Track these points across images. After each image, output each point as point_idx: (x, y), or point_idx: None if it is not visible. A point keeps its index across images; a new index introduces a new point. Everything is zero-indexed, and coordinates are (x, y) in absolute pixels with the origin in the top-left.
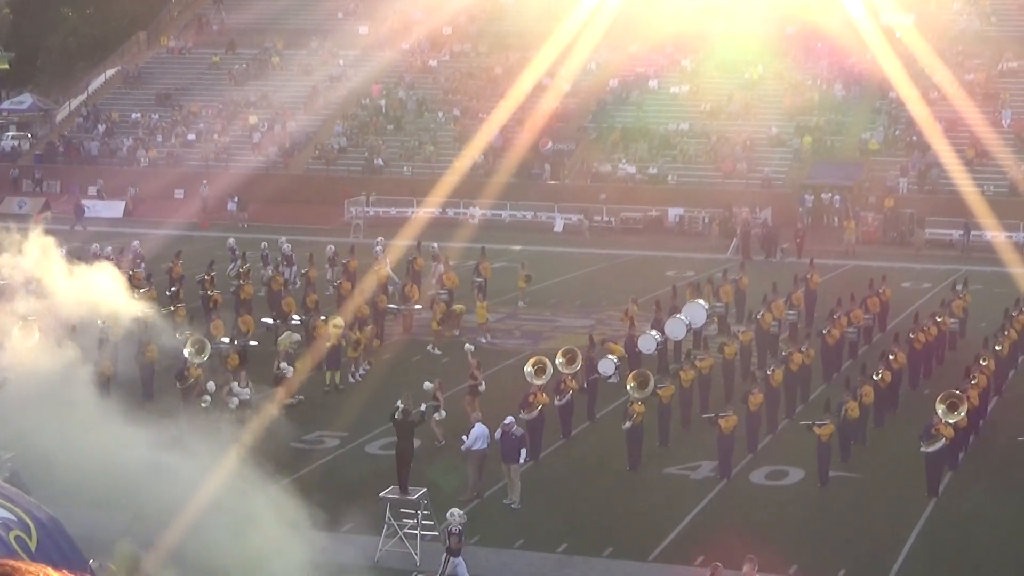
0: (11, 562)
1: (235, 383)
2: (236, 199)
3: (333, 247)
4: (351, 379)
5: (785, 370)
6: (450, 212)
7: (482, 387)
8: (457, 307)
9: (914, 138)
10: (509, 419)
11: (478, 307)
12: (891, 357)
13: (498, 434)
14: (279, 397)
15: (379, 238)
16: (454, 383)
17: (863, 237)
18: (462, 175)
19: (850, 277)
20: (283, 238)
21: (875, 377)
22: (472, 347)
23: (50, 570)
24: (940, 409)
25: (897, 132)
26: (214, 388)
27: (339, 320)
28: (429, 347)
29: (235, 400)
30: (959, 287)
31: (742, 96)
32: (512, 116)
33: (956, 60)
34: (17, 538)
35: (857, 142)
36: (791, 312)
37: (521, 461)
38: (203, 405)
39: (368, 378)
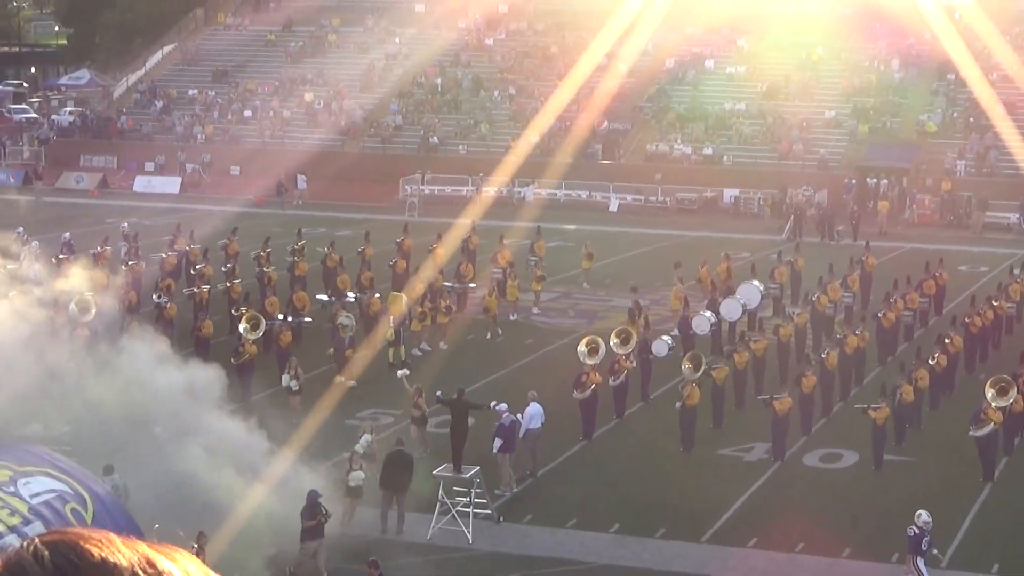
0: (75, 530)
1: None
2: (306, 177)
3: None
4: (417, 351)
5: (840, 353)
6: (505, 191)
7: (426, 414)
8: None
9: (972, 120)
10: (502, 406)
11: (509, 286)
12: (947, 341)
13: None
14: (343, 378)
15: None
16: (510, 361)
17: (919, 220)
18: (518, 154)
19: (906, 260)
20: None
21: (931, 361)
22: (407, 372)
23: (114, 536)
24: (990, 394)
25: (955, 114)
26: None
27: (403, 297)
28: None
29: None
30: (1016, 271)
31: (799, 77)
32: (569, 96)
33: (1017, 41)
34: (73, 511)
35: (914, 124)
36: (847, 294)
37: (494, 451)
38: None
39: (423, 356)
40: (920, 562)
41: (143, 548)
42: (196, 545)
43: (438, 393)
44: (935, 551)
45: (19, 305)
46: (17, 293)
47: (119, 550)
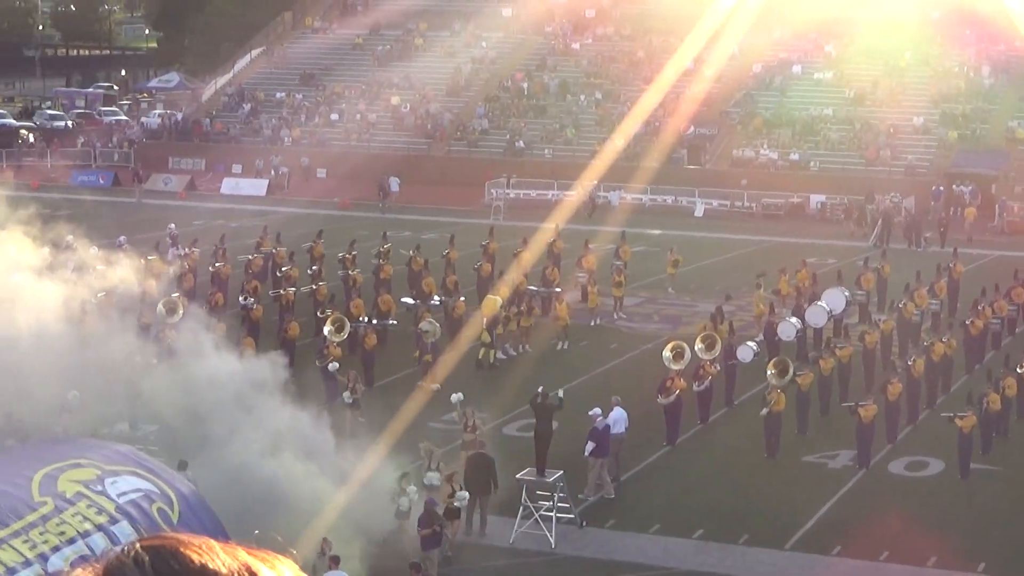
0: (175, 535)
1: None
2: (399, 180)
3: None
4: (502, 354)
5: (927, 360)
6: (589, 196)
7: (479, 439)
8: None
9: None
10: (595, 411)
11: (589, 292)
12: None
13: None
14: (428, 383)
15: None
16: (594, 365)
17: (1008, 227)
18: (604, 159)
19: (994, 267)
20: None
21: (1019, 369)
22: (461, 396)
23: (214, 543)
24: None
25: None
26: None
27: (497, 299)
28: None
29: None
30: None
31: (887, 83)
32: (655, 100)
33: None
34: (160, 510)
35: (1004, 130)
36: (934, 302)
37: (586, 454)
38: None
39: (508, 360)
40: None
41: (243, 555)
42: (323, 551)
43: (539, 389)
44: None
45: (104, 305)
46: (106, 294)
47: (219, 557)
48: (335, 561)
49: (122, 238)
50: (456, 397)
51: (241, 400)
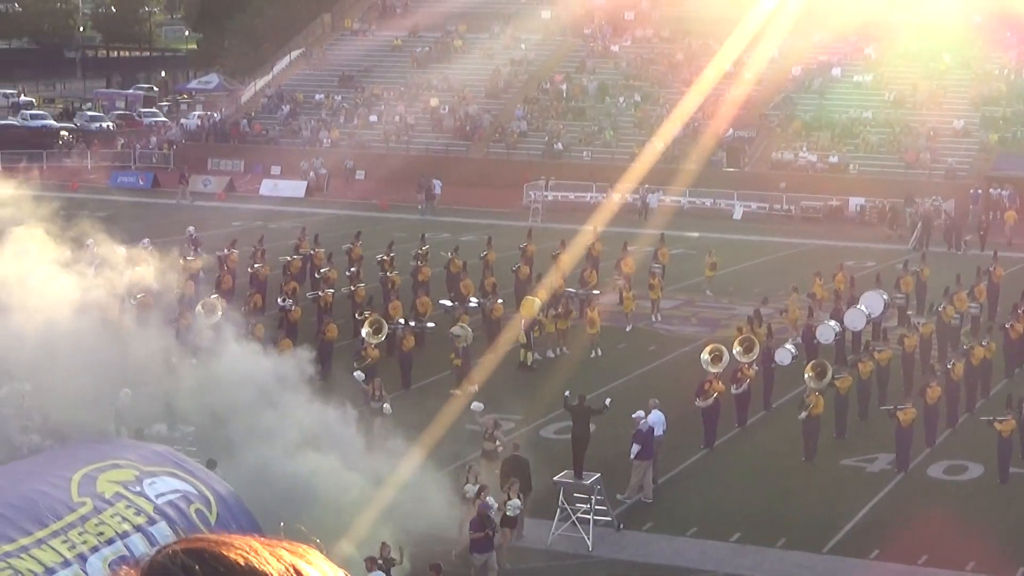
0: (216, 538)
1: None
2: (440, 182)
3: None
4: (550, 354)
5: (966, 364)
6: (629, 198)
7: (499, 449)
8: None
9: None
10: (638, 413)
11: (624, 296)
12: None
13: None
14: (465, 386)
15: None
16: (632, 368)
17: None
18: (643, 161)
19: None
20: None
21: None
22: (482, 406)
23: (256, 543)
24: None
25: None
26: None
27: (536, 300)
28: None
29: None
30: None
31: (927, 86)
32: (695, 103)
33: None
34: (197, 511)
35: None
36: (973, 305)
37: (631, 457)
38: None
39: (546, 362)
40: None
41: (286, 555)
42: (381, 557)
43: (566, 393)
44: None
45: (142, 306)
46: (144, 295)
47: (266, 560)
48: (372, 562)
49: (146, 240)
50: (477, 406)
51: (276, 399)
